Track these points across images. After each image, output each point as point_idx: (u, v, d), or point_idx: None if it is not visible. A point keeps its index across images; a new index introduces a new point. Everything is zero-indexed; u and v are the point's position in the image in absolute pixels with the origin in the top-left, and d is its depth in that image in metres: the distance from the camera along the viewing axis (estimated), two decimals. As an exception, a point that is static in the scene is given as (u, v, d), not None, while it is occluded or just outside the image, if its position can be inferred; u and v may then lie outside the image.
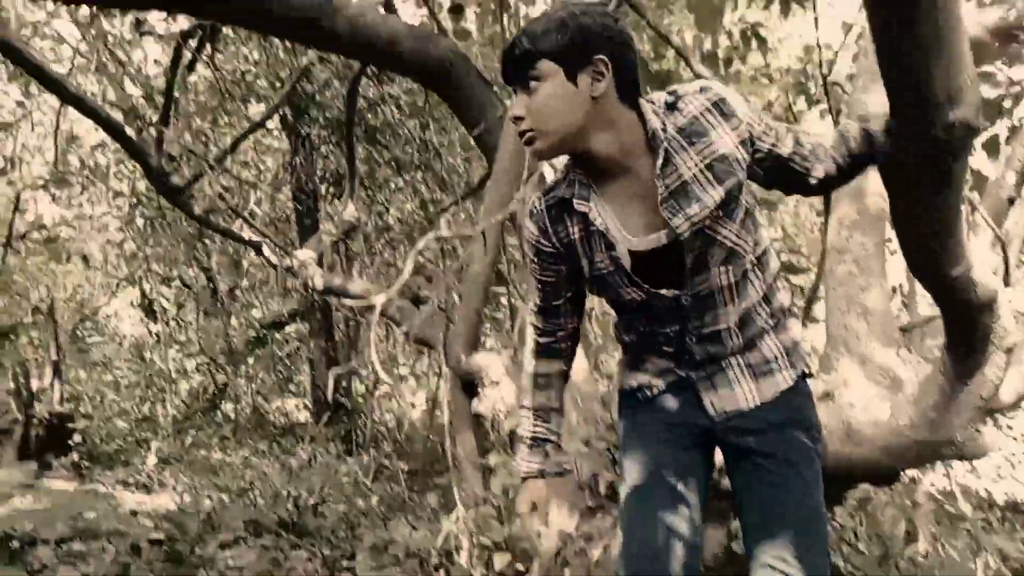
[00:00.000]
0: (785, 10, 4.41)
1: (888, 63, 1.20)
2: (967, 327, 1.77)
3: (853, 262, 2.45)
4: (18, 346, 6.47)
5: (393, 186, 5.76)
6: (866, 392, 2.25)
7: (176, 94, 4.20)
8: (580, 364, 2.64)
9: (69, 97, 3.68)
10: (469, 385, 2.78)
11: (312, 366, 7.76)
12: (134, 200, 7.17)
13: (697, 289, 1.37)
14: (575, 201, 1.35)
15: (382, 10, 2.94)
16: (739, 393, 1.45)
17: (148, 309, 8.37)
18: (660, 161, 1.29)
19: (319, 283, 4.10)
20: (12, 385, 5.13)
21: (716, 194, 1.29)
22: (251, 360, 9.25)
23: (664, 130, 1.30)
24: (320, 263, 4.52)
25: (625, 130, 1.30)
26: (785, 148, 1.36)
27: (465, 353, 2.75)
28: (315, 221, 7.08)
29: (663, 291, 1.37)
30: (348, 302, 3.78)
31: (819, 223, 6.44)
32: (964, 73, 1.16)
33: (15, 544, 3.33)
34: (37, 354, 7.28)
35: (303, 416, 9.57)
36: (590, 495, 2.39)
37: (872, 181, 2.56)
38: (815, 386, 2.36)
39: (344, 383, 7.65)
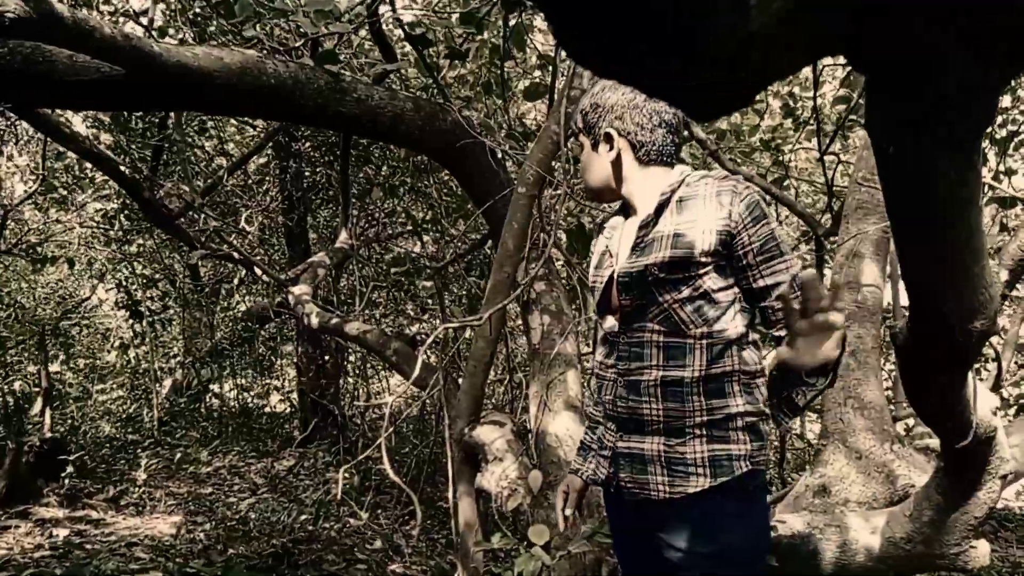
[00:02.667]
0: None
1: (913, 287, 1.24)
2: (965, 458, 1.85)
3: (850, 355, 2.51)
4: (13, 364, 6.38)
5: (386, 207, 5.72)
6: (862, 490, 2.33)
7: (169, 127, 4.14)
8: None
9: (62, 137, 3.63)
10: (473, 458, 2.82)
11: (300, 372, 7.74)
12: (119, 204, 7.08)
13: (631, 335, 1.53)
14: (608, 224, 1.70)
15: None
16: (651, 480, 1.49)
17: (133, 310, 8.28)
18: (648, 215, 1.53)
19: (315, 322, 4.10)
20: (1, 411, 5.09)
21: (662, 255, 1.47)
22: (236, 356, 9.21)
23: (670, 194, 1.53)
24: (315, 295, 4.52)
25: (643, 185, 1.58)
26: (758, 281, 1.47)
27: (469, 427, 2.79)
28: (303, 231, 7.04)
29: (608, 320, 1.60)
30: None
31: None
32: (985, 292, 1.21)
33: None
34: (24, 371, 7.21)
35: (284, 408, 9.59)
36: (592, 580, 2.45)
37: (867, 274, 2.61)
38: (809, 480, 2.44)
39: (331, 390, 7.66)
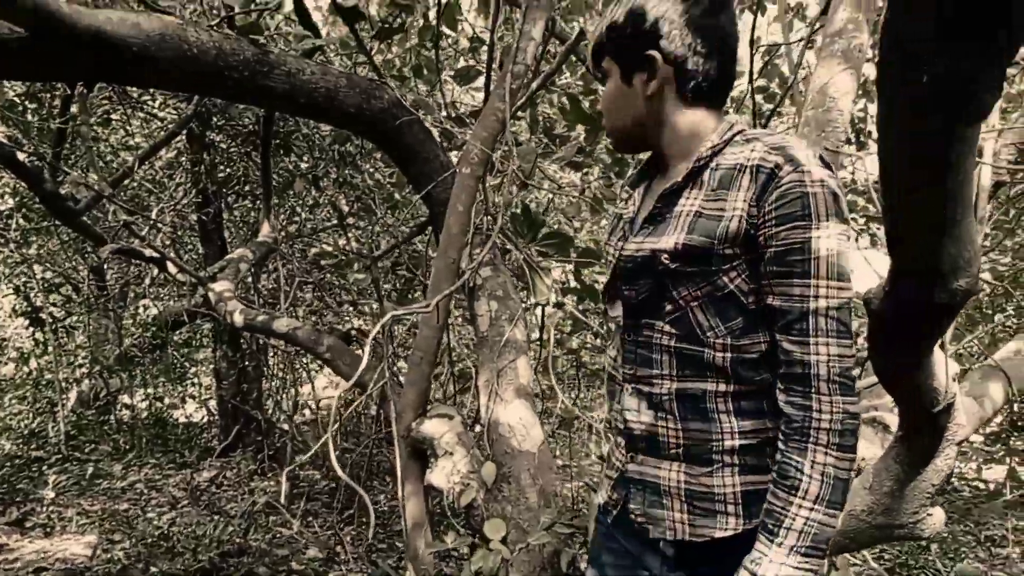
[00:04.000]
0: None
1: (897, 239, 1.21)
2: (924, 426, 1.85)
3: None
4: None
5: (310, 200, 5.49)
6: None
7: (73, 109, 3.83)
8: (535, 432, 2.61)
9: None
10: (420, 454, 2.69)
11: (218, 377, 7.37)
12: (15, 202, 6.58)
13: (639, 333, 1.22)
14: (627, 187, 1.35)
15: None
16: (667, 516, 1.19)
17: (33, 318, 7.71)
18: (675, 182, 1.19)
19: (239, 320, 3.87)
20: None
21: (676, 240, 1.13)
22: (147, 364, 8.73)
23: (709, 157, 1.16)
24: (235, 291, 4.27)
25: (682, 133, 1.20)
26: (769, 298, 1.10)
27: (416, 421, 2.66)
28: (219, 227, 6.69)
29: (616, 307, 1.27)
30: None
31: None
32: (971, 248, 1.18)
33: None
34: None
35: (202, 417, 9.14)
36: (552, 574, 2.36)
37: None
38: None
39: (253, 395, 7.34)
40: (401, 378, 3.12)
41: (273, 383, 7.89)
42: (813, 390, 1.05)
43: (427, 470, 2.62)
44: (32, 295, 7.88)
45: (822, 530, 1.03)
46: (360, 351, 4.40)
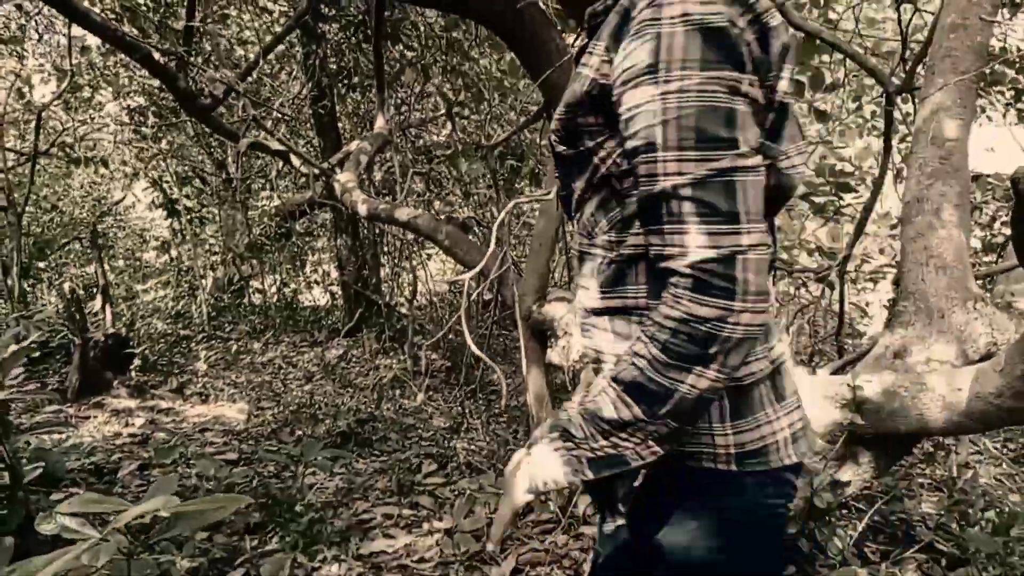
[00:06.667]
0: None
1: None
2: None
3: (933, 212, 2.43)
4: (59, 265, 6.51)
5: (417, 89, 5.55)
6: (944, 348, 2.30)
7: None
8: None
9: (96, 27, 3.51)
10: (541, 334, 2.84)
11: (340, 264, 7.81)
12: (146, 100, 7.00)
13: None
14: None
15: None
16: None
17: (170, 208, 8.33)
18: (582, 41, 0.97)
19: (363, 210, 4.06)
20: (63, 310, 5.23)
21: (558, 110, 0.93)
22: (274, 252, 9.31)
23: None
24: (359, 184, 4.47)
25: None
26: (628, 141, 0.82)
27: (536, 304, 2.79)
28: (333, 119, 6.89)
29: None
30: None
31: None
32: None
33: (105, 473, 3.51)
34: (80, 272, 7.33)
35: (326, 301, 9.76)
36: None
37: (951, 128, 2.47)
38: (888, 340, 2.41)
39: (373, 280, 7.74)
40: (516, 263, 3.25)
41: (391, 270, 8.28)
42: (668, 287, 0.78)
43: (547, 348, 2.78)
44: (167, 188, 8.47)
45: (594, 417, 0.82)
46: (474, 238, 4.56)
